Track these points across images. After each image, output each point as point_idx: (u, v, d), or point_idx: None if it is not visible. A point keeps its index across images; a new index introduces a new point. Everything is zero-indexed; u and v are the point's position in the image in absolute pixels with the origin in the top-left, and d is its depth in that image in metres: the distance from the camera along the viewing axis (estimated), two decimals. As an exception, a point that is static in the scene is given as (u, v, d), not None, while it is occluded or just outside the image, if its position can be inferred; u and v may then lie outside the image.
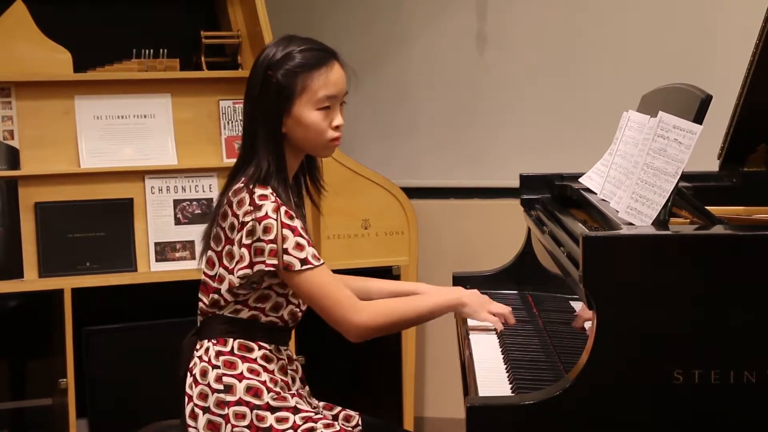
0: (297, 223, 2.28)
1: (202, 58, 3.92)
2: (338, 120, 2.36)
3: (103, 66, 3.82)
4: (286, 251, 2.25)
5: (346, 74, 2.37)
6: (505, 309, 2.47)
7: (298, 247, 2.26)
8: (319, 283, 2.28)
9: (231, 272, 2.30)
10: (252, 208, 2.26)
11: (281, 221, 2.25)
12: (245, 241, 2.27)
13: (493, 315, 2.45)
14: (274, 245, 2.25)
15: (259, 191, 2.28)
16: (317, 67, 2.32)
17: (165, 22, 4.05)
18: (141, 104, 3.83)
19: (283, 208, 2.27)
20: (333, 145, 2.38)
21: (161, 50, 3.85)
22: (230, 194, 2.31)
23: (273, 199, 2.27)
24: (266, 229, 2.25)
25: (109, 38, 3.95)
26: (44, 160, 3.69)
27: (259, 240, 2.25)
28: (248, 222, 2.26)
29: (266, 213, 2.25)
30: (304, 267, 2.26)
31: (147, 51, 3.84)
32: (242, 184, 2.30)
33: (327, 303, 2.29)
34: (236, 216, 2.29)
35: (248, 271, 2.27)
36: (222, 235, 2.32)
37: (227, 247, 2.31)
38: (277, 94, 2.31)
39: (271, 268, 2.26)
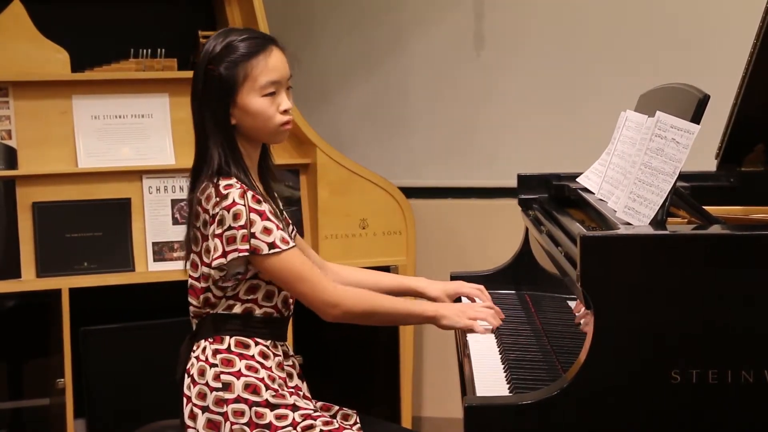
0: (265, 207, 2.30)
1: (200, 58, 3.91)
2: (285, 104, 2.36)
3: (101, 66, 3.82)
4: (253, 235, 2.27)
5: (286, 58, 2.38)
6: (485, 312, 2.47)
7: (266, 231, 2.28)
8: (289, 266, 2.30)
9: (209, 266, 2.31)
10: (219, 199, 2.28)
11: (248, 206, 2.27)
12: (217, 231, 2.28)
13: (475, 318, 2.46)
14: (245, 230, 2.26)
15: (223, 182, 2.29)
16: (256, 54, 2.33)
17: (163, 22, 4.05)
18: (138, 104, 3.82)
19: (249, 193, 2.29)
20: (283, 129, 2.38)
21: (159, 50, 3.85)
22: (198, 194, 2.33)
23: (239, 186, 2.29)
24: (236, 216, 2.26)
25: (107, 38, 3.95)
26: (42, 159, 3.69)
27: (230, 228, 2.27)
28: (217, 212, 2.27)
29: (233, 200, 2.27)
30: (272, 251, 2.28)
31: (145, 51, 3.84)
32: (207, 182, 2.32)
33: (299, 284, 2.31)
34: (206, 211, 2.30)
35: (222, 260, 2.28)
36: (198, 234, 2.34)
37: (204, 244, 2.32)
38: (220, 87, 2.32)
39: (245, 254, 2.27)
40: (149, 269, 3.73)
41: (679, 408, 1.93)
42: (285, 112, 2.36)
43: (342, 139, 4.38)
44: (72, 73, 3.74)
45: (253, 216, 2.27)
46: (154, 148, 3.81)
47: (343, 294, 2.35)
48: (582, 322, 2.18)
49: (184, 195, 3.75)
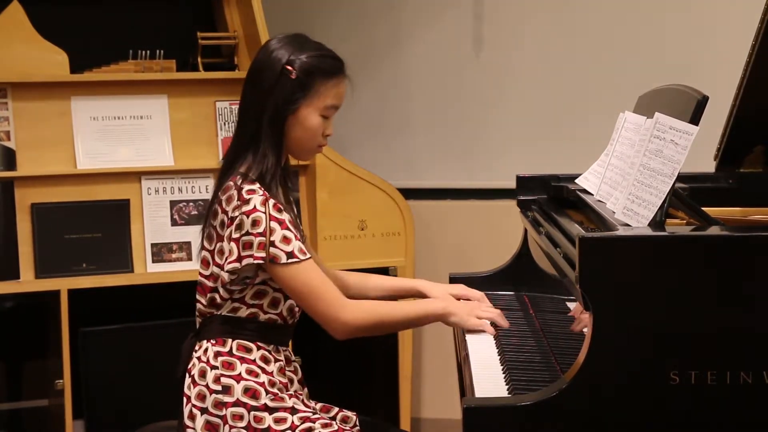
0: (285, 216, 2.30)
1: (199, 59, 3.91)
2: (329, 129, 2.41)
3: (100, 67, 3.82)
4: (272, 243, 2.27)
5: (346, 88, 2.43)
6: (493, 312, 2.48)
7: (285, 240, 2.27)
8: (304, 277, 2.29)
9: (222, 268, 2.31)
10: (240, 203, 2.28)
11: (269, 213, 2.27)
12: (234, 236, 2.28)
13: (483, 318, 2.46)
14: (263, 238, 2.26)
15: (247, 186, 2.29)
16: (334, 75, 2.37)
17: (161, 23, 4.05)
18: (137, 105, 3.82)
19: (271, 201, 2.29)
20: (318, 151, 2.44)
21: (158, 51, 3.85)
22: (219, 193, 2.33)
23: (261, 192, 2.29)
24: (255, 222, 2.26)
25: (106, 39, 3.95)
26: (41, 161, 3.69)
27: (247, 233, 2.26)
28: (237, 216, 2.27)
29: (254, 206, 2.27)
30: (290, 260, 2.27)
31: (143, 52, 3.84)
32: (231, 182, 2.32)
33: (312, 298, 2.30)
34: (225, 212, 2.30)
35: (236, 264, 2.28)
36: (213, 233, 2.34)
37: (218, 245, 2.32)
38: (291, 91, 2.33)
39: (260, 261, 2.27)
40: (148, 270, 3.72)
41: (678, 409, 1.93)
42: (326, 137, 2.40)
43: (341, 140, 4.38)
44: (71, 75, 3.74)
45: (273, 224, 2.27)
46: (153, 150, 3.81)
47: (353, 312, 2.32)
48: (579, 326, 2.18)
49: (183, 196, 3.79)
